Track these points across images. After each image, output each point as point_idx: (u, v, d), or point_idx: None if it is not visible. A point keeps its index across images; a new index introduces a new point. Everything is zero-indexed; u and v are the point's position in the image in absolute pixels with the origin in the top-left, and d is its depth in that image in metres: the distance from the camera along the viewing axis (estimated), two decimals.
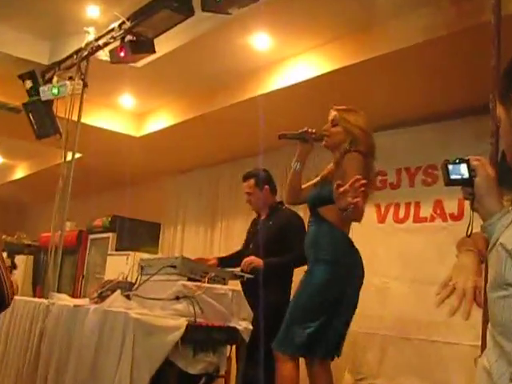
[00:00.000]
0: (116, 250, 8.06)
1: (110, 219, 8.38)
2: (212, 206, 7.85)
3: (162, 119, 6.78)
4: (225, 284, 3.33)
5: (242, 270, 3.90)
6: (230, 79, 5.62)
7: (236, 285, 3.73)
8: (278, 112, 5.49)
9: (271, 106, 5.31)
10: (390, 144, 5.59)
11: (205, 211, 7.93)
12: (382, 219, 5.58)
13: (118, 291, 3.23)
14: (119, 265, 7.07)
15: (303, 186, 3.39)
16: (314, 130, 3.24)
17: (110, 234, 8.25)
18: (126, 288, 3.39)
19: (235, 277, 3.86)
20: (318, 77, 4.93)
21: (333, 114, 3.26)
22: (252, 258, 3.98)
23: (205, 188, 8.03)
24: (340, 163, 3.12)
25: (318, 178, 3.38)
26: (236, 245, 7.43)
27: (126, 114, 6.99)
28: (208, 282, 3.15)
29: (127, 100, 6.63)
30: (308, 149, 3.29)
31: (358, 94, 5.08)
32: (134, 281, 3.51)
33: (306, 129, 3.24)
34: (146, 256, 5.68)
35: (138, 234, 8.22)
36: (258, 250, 3.98)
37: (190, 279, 3.14)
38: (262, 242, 3.98)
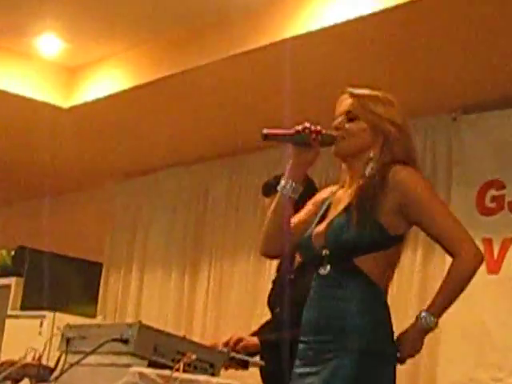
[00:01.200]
0: (22, 307, 8.06)
1: (12, 254, 8.37)
2: (194, 235, 7.87)
3: (107, 79, 6.83)
4: (214, 375, 3.33)
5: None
6: (225, 14, 5.65)
7: (235, 377, 3.73)
8: (309, 70, 5.52)
9: (297, 61, 5.33)
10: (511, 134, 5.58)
11: (181, 244, 7.94)
12: (494, 266, 5.55)
13: (26, 381, 3.23)
14: (27, 334, 7.07)
15: (295, 220, 3.38)
16: (318, 128, 3.24)
17: (13, 280, 8.24)
18: (40, 376, 3.39)
19: (234, 363, 3.87)
20: (376, 14, 4.95)
21: (347, 101, 3.27)
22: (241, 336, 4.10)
23: (182, 203, 8.05)
24: (379, 184, 3.13)
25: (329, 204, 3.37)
26: (236, 301, 7.41)
27: (47, 67, 7.02)
28: (185, 371, 3.14)
29: (50, 43, 6.64)
30: (310, 158, 3.27)
31: (441, 43, 5.11)
32: (53, 364, 3.51)
33: (306, 125, 3.22)
34: (75, 320, 5.69)
35: (63, 282, 8.22)
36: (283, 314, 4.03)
37: (151, 364, 3.14)
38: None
